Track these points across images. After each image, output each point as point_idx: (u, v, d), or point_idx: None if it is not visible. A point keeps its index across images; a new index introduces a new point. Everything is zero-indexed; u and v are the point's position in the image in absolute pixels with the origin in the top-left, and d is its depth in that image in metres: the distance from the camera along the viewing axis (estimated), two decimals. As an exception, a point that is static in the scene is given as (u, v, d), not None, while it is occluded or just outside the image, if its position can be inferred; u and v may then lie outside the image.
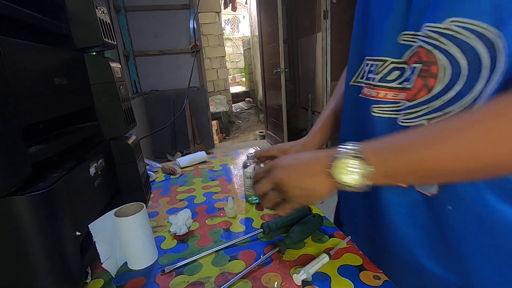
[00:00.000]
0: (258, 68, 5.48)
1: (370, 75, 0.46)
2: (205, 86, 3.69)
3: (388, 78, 0.43)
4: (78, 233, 0.42)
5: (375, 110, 0.45)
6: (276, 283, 0.42)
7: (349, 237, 0.51)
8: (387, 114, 0.43)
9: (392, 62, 0.43)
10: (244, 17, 9.16)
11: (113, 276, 0.47)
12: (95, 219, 0.45)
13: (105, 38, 0.55)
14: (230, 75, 8.14)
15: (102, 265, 0.46)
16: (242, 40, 8.37)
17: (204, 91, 3.69)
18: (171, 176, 0.92)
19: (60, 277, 0.39)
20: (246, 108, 6.76)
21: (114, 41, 0.61)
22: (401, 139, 0.35)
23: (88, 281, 0.46)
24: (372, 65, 0.46)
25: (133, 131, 0.68)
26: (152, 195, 0.79)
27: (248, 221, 0.61)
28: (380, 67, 0.44)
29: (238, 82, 8.48)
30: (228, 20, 9.30)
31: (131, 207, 0.50)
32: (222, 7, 5.65)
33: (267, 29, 3.64)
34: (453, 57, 0.36)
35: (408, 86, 0.41)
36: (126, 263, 0.50)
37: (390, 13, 0.42)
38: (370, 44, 0.47)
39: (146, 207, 0.60)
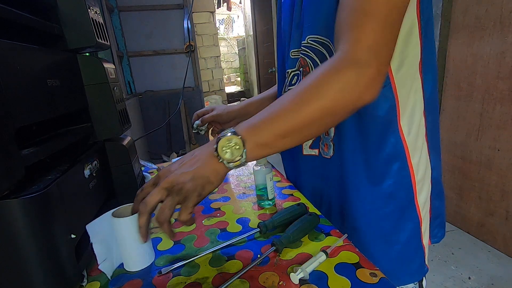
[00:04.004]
0: (253, 67, 5.49)
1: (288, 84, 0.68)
2: (200, 86, 3.67)
3: (293, 82, 0.66)
4: (73, 236, 0.42)
5: None
6: (273, 282, 0.43)
7: (345, 235, 0.51)
8: None
9: (292, 72, 0.65)
10: (238, 16, 9.15)
11: (109, 278, 0.47)
12: (91, 221, 0.45)
13: (98, 38, 0.55)
14: (225, 75, 8.13)
15: (99, 267, 0.45)
16: (236, 39, 8.37)
17: (199, 91, 3.68)
18: (167, 177, 0.91)
19: (55, 281, 0.39)
20: (241, 107, 6.74)
21: (107, 42, 0.60)
22: (263, 115, 0.44)
23: (84, 284, 0.46)
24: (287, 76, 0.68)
25: (128, 132, 0.68)
26: (148, 196, 0.78)
27: (244, 221, 0.61)
28: (288, 77, 0.67)
29: (233, 82, 8.47)
30: (222, 20, 9.28)
31: (128, 208, 0.50)
32: (216, 6, 5.64)
33: (262, 28, 3.64)
34: (314, 59, 0.58)
35: None
36: (122, 264, 0.50)
37: (289, 37, 0.64)
38: (285, 63, 0.68)
39: (142, 208, 0.59)
